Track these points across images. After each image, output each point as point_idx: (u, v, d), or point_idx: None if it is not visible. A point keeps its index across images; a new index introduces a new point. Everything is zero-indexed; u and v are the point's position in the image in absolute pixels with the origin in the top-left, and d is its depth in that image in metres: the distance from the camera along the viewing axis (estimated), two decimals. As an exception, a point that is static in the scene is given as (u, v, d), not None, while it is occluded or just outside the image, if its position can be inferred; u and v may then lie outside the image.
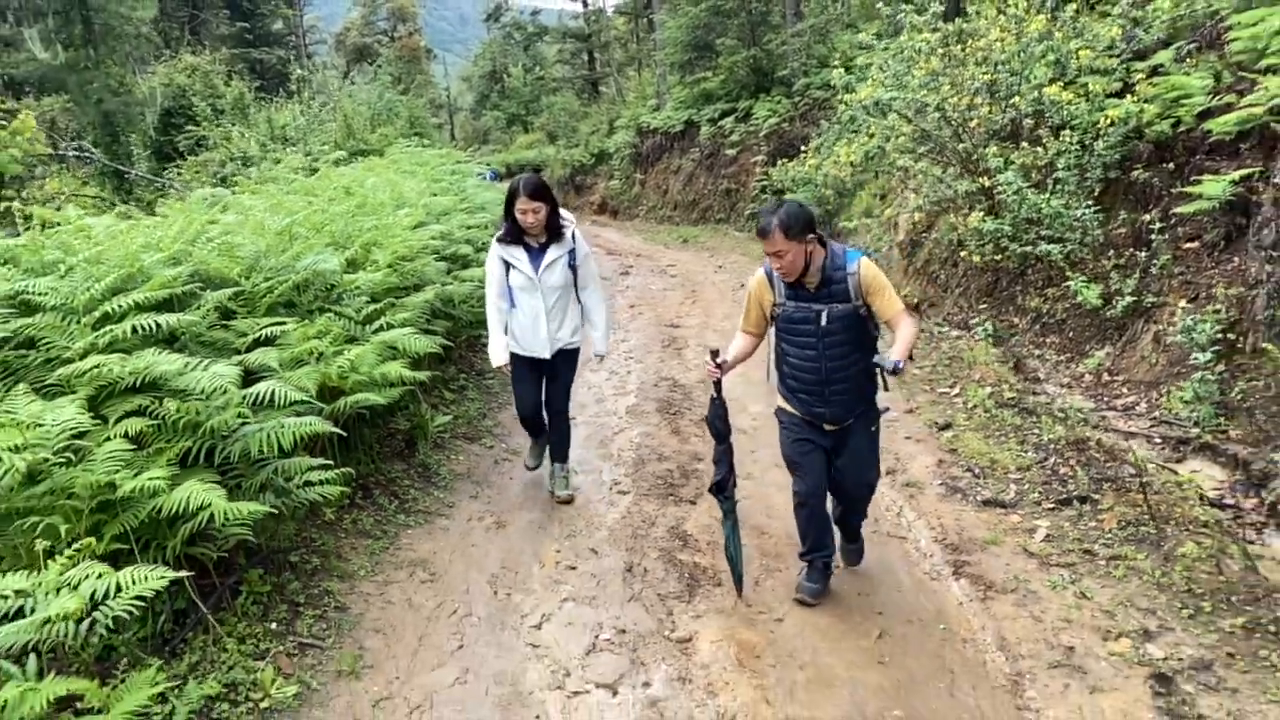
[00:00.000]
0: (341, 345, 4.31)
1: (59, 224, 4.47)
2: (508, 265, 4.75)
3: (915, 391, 6.90)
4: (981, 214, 8.69)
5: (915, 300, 10.57)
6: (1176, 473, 5.32)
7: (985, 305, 9.51)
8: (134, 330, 3.46)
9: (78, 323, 3.54)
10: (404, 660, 3.46)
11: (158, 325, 3.52)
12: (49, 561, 2.51)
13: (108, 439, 3.04)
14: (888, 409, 4.53)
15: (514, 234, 4.70)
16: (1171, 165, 7.74)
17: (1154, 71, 8.38)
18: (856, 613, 3.95)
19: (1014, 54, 8.81)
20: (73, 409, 2.97)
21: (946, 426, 6.12)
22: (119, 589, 2.49)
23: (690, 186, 21.69)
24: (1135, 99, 7.98)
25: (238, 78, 20.70)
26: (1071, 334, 8.23)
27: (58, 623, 2.49)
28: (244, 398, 3.36)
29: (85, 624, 2.56)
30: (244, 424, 3.45)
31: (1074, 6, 9.18)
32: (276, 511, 3.45)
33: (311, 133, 14.16)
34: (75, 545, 2.59)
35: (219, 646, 3.17)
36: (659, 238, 18.98)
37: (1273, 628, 3.68)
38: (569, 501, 5.07)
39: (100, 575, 2.48)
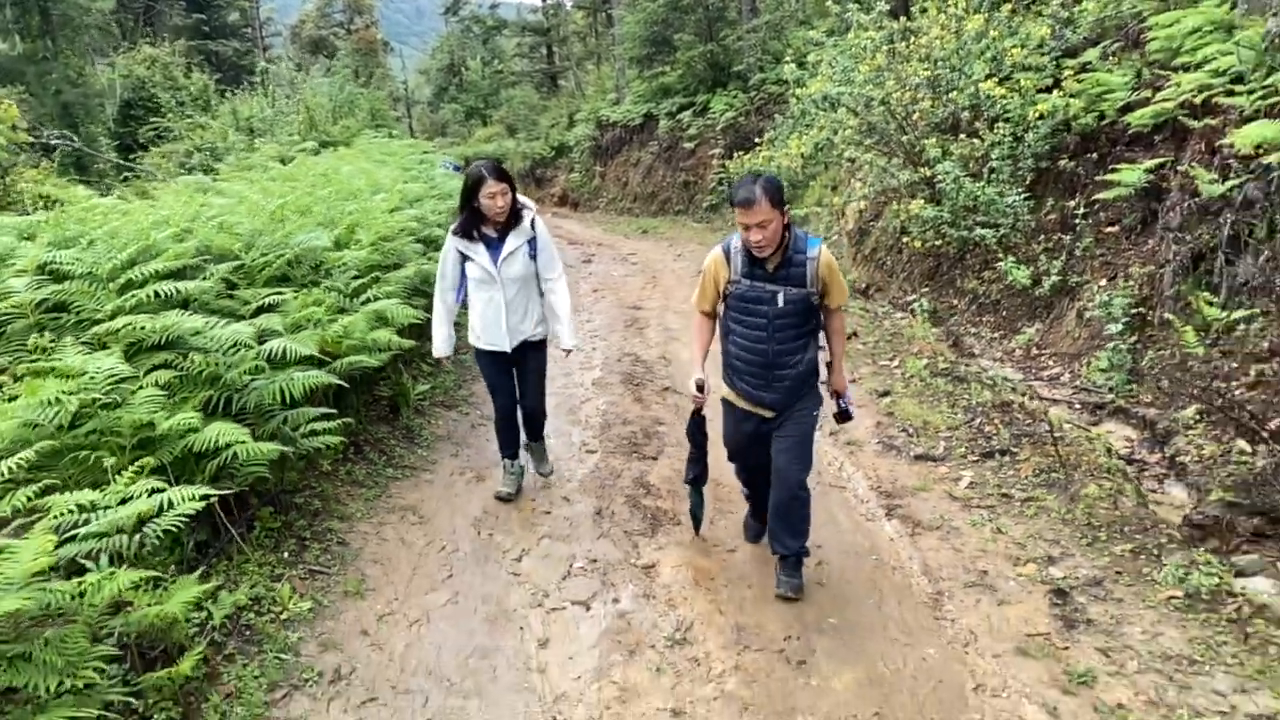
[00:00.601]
0: (334, 314, 4.77)
1: (69, 204, 4.87)
2: (464, 259, 4.60)
3: (859, 364, 7.48)
4: (922, 202, 9.31)
5: (864, 284, 11.19)
6: (1088, 430, 5.95)
7: (927, 288, 10.15)
8: (155, 295, 3.89)
9: (104, 289, 3.97)
10: (401, 585, 3.94)
11: (176, 291, 3.95)
12: (115, 477, 2.96)
13: (141, 387, 3.47)
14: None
15: (472, 225, 4.53)
16: (1095, 155, 8.41)
17: (1083, 68, 9.07)
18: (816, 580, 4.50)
19: (953, 51, 9.43)
20: (113, 359, 3.40)
21: (885, 394, 6.71)
22: (170, 505, 2.94)
23: (649, 179, 22.22)
24: (1062, 94, 8.65)
25: (197, 70, 20.81)
26: (1005, 313, 8.89)
27: (113, 535, 2.94)
28: (258, 353, 3.81)
29: (136, 537, 3.00)
30: (255, 378, 3.90)
31: (1009, 7, 9.85)
32: (286, 455, 3.91)
33: (277, 124, 14.44)
34: (134, 466, 3.03)
35: (240, 570, 3.63)
36: (619, 228, 19.47)
37: (1155, 551, 4.29)
38: (548, 475, 5.22)
39: (154, 492, 2.92)
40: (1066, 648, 3.61)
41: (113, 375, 3.35)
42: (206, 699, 2.94)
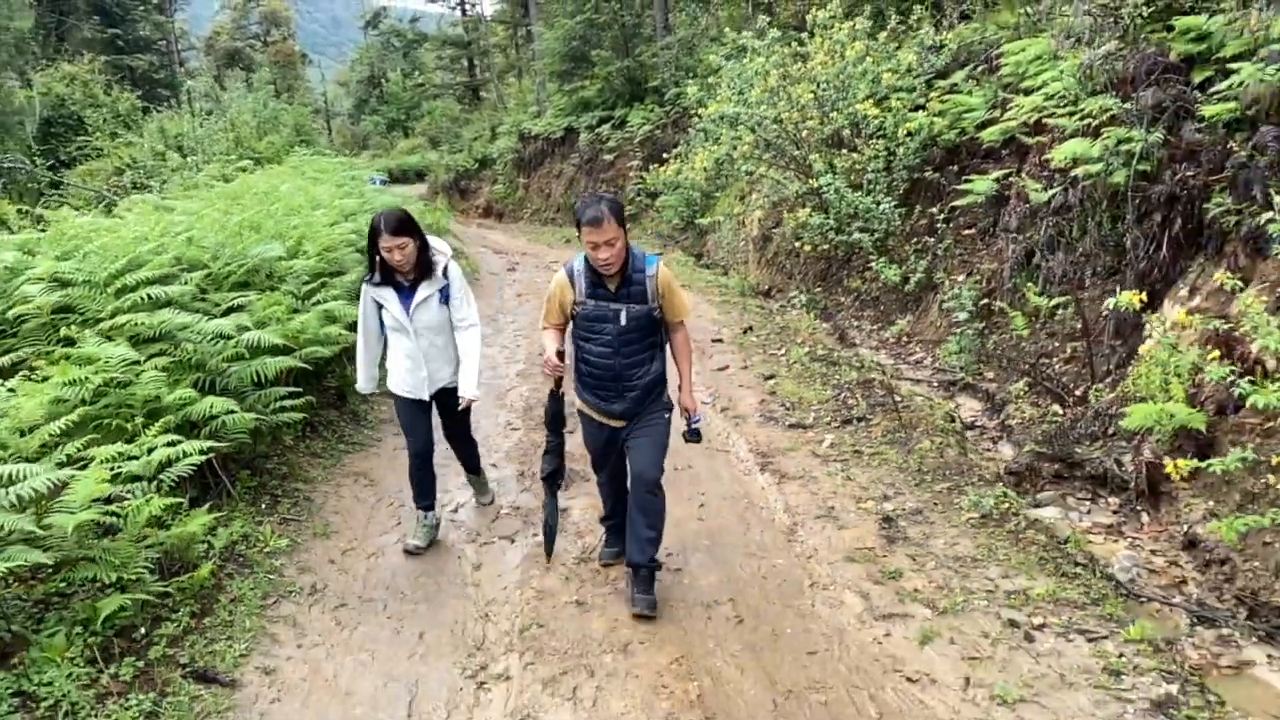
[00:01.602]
0: (291, 314, 5.69)
1: (55, 223, 5.71)
2: (379, 306, 4.59)
3: (752, 354, 8.62)
4: (810, 210, 10.54)
5: (766, 286, 12.41)
6: (931, 400, 7.18)
7: (819, 288, 11.41)
8: (147, 298, 4.79)
9: (103, 293, 4.85)
10: (359, 530, 4.90)
11: (162, 294, 4.86)
12: (142, 433, 3.87)
13: (145, 370, 4.38)
14: (724, 365, 6.00)
15: (383, 274, 4.49)
16: (956, 167, 9.73)
17: (951, 89, 10.42)
18: (686, 493, 5.55)
19: (835, 74, 10.69)
20: (123, 348, 4.30)
21: (771, 376, 7.84)
22: (183, 455, 3.87)
23: (571, 190, 23.26)
24: (928, 113, 9.97)
25: (118, 87, 21.18)
26: (882, 307, 10.17)
27: (143, 476, 3.86)
28: (238, 342, 4.74)
29: (158, 480, 3.92)
30: (233, 364, 4.82)
31: (884, 35, 11.17)
32: (259, 427, 4.84)
33: (204, 142, 15.10)
34: (156, 425, 3.95)
35: (229, 516, 4.55)
36: (543, 238, 20.44)
37: (968, 489, 5.47)
38: (490, 504, 5.31)
39: (171, 444, 3.85)
40: (885, 556, 4.73)
41: (124, 359, 4.26)
42: (217, 601, 3.88)
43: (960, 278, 8.86)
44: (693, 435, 4.30)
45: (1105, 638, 3.91)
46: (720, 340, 9.13)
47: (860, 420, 6.67)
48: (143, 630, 3.51)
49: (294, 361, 4.96)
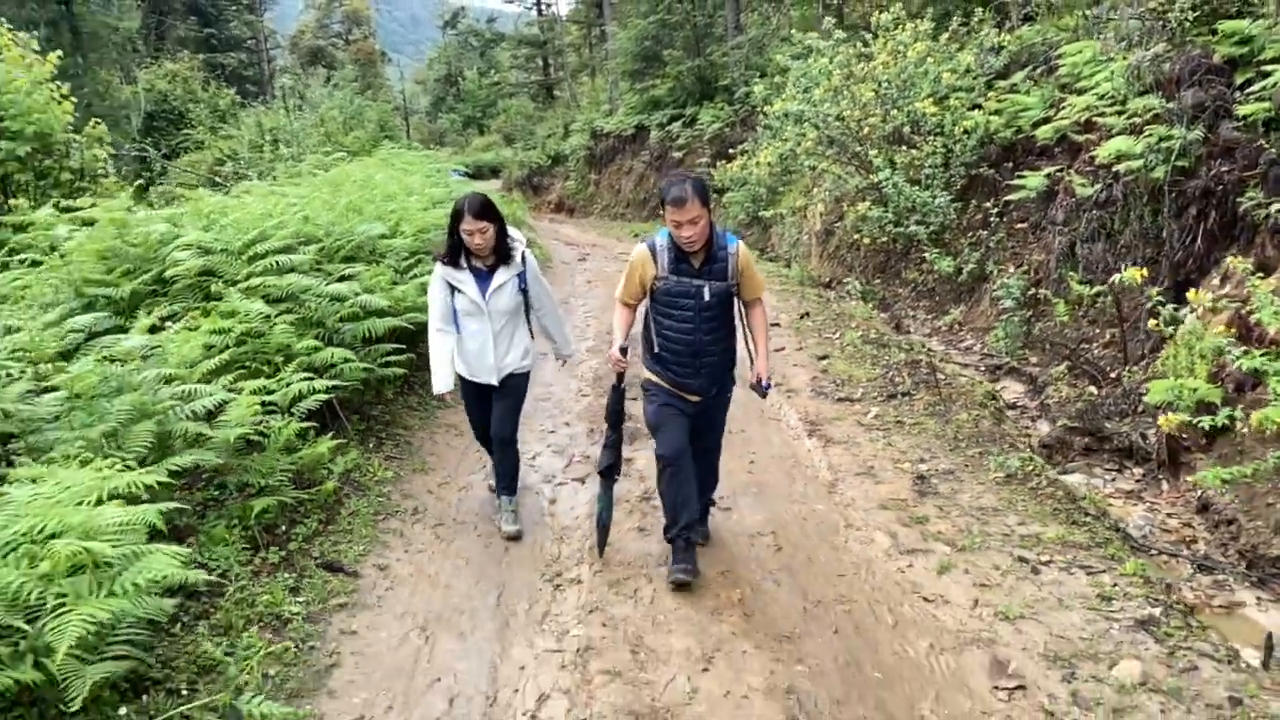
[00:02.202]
0: (392, 284, 6.49)
1: (193, 201, 6.61)
2: (453, 289, 4.66)
3: (807, 337, 9.22)
4: (870, 204, 11.08)
5: (827, 278, 12.95)
6: (974, 380, 7.70)
7: (878, 279, 11.94)
8: (275, 264, 5.62)
9: (238, 259, 5.69)
10: (451, 469, 5.67)
11: (288, 262, 5.68)
12: (285, 368, 4.68)
13: (276, 324, 5.19)
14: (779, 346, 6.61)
15: (457, 256, 4.61)
16: (1011, 164, 10.19)
17: (1011, 89, 10.88)
18: (738, 452, 6.19)
19: (896, 74, 11.20)
20: (259, 304, 5.13)
21: (824, 357, 8.43)
22: (313, 391, 4.67)
23: (641, 186, 24.00)
24: (985, 112, 10.44)
25: (215, 83, 22.53)
26: (937, 298, 10.67)
27: (281, 406, 4.66)
28: (353, 303, 5.54)
29: (288, 414, 4.72)
30: (347, 323, 5.63)
31: (946, 36, 11.65)
32: (368, 378, 5.63)
33: (298, 136, 16.18)
34: (291, 365, 4.75)
35: (345, 448, 5.34)
36: (612, 232, 21.21)
37: (995, 451, 6.01)
38: (516, 538, 4.87)
39: (306, 380, 4.65)
40: (915, 506, 5.32)
41: (260, 313, 5.08)
42: (338, 513, 4.67)
43: (1010, 269, 9.34)
44: (760, 389, 4.37)
45: (1103, 572, 4.45)
46: (777, 324, 9.74)
47: (904, 395, 7.24)
48: (283, 528, 4.32)
49: (398, 322, 5.74)
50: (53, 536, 2.36)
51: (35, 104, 8.94)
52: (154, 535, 2.93)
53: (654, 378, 4.41)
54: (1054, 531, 4.87)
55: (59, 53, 9.82)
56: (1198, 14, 7.94)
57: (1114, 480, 6.18)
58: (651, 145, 23.78)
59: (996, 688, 3.62)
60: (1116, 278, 6.12)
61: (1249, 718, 3.36)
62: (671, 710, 3.38)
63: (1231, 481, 4.58)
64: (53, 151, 9.20)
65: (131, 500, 2.78)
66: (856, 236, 11.66)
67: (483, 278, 4.65)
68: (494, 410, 4.89)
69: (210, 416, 4.14)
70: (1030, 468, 5.73)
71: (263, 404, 4.38)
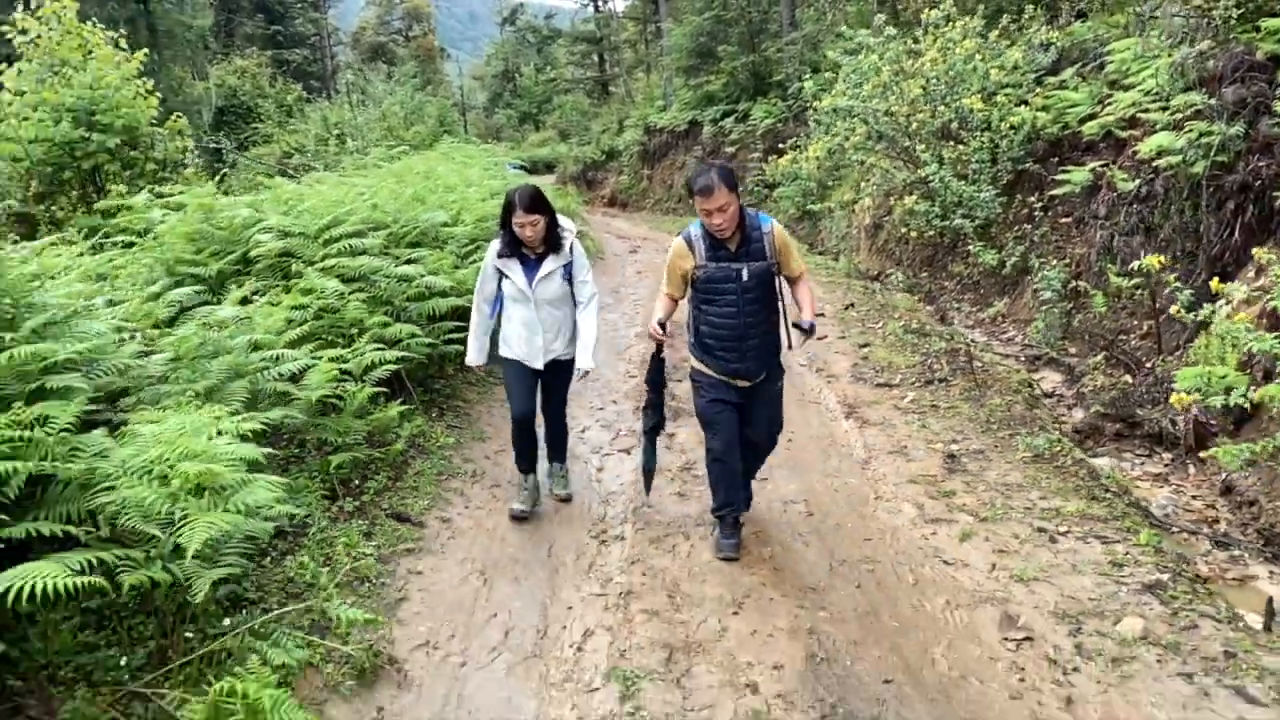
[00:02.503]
0: (453, 269, 6.95)
1: (273, 189, 7.14)
2: (502, 275, 4.88)
3: (850, 326, 9.51)
4: (917, 198, 11.31)
5: (875, 272, 13.19)
6: (1010, 368, 7.94)
7: (925, 273, 12.16)
8: (348, 247, 6.11)
9: (314, 242, 6.19)
10: (506, 439, 6.08)
11: (360, 245, 6.16)
12: (358, 340, 5.16)
13: (349, 300, 5.67)
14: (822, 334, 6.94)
15: (512, 246, 4.80)
16: (1057, 159, 10.35)
17: (1061, 85, 11.03)
18: (786, 438, 6.53)
19: (943, 71, 11.42)
20: (334, 282, 5.61)
21: (865, 345, 8.73)
22: (384, 361, 5.13)
23: (693, 181, 24.30)
24: (1031, 108, 10.62)
25: (282, 80, 23.36)
26: (982, 290, 10.88)
27: (348, 378, 5.13)
28: (419, 284, 6.00)
29: (361, 381, 5.19)
30: (413, 302, 6.09)
31: (995, 33, 11.82)
32: (431, 354, 6.09)
33: (362, 130, 16.84)
34: (365, 337, 5.22)
35: (411, 414, 5.80)
36: (663, 226, 21.59)
37: (1024, 431, 6.28)
38: (568, 500, 5.28)
39: (377, 351, 5.11)
40: (943, 481, 5.62)
41: (335, 290, 5.56)
42: (405, 471, 5.14)
43: (1052, 262, 9.52)
44: (803, 325, 4.33)
45: (1118, 542, 4.73)
46: (822, 315, 10.03)
47: (941, 381, 7.52)
48: (356, 482, 4.80)
49: (459, 301, 6.19)
50: (179, 462, 2.82)
51: (124, 99, 9.60)
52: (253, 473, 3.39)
53: (701, 367, 4.55)
54: (1074, 506, 5.15)
55: (144, 51, 10.48)
56: (1242, 11, 8.08)
57: (1143, 464, 6.41)
58: (704, 140, 24.11)
59: (1005, 639, 3.94)
60: (1139, 263, 6.34)
61: (1241, 668, 3.64)
62: (703, 645, 3.76)
63: (1251, 461, 4.82)
64: (138, 143, 9.86)
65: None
66: (904, 230, 11.89)
67: (530, 266, 4.83)
68: (541, 393, 5.13)
69: (294, 379, 4.62)
70: (1057, 448, 6.00)
71: (339, 371, 4.84)
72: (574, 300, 4.98)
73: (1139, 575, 4.39)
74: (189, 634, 3.02)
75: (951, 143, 11.36)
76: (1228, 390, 5.24)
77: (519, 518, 5.02)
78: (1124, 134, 9.03)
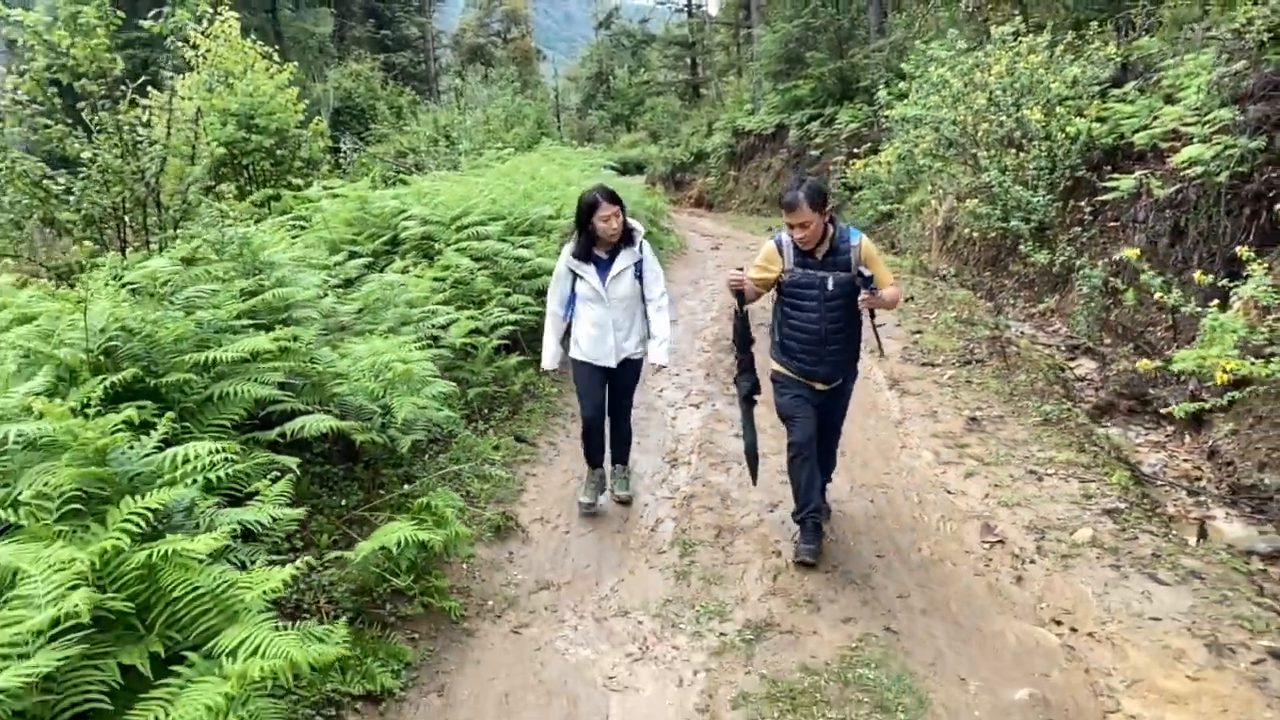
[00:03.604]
0: (557, 253, 8.41)
1: (410, 184, 8.73)
2: (575, 276, 5.13)
3: (908, 316, 10.70)
4: (978, 202, 12.40)
5: (944, 272, 14.27)
6: (1045, 354, 9.05)
7: (988, 272, 13.21)
8: (476, 234, 7.62)
9: (448, 229, 7.73)
10: (598, 393, 7.55)
11: (484, 232, 7.68)
12: (487, 304, 6.65)
13: (478, 275, 7.17)
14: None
15: (586, 248, 5.07)
16: (1111, 168, 11.34)
17: (1123, 98, 12.00)
18: (827, 396, 7.82)
19: (1009, 84, 12.48)
20: (466, 260, 7.12)
21: (918, 332, 9.93)
22: (507, 321, 6.60)
23: (778, 183, 25.50)
24: (1087, 120, 11.62)
25: (393, 83, 25.35)
26: (1036, 288, 11.93)
27: (479, 333, 6.62)
28: (530, 261, 7.48)
29: (490, 335, 6.67)
30: (526, 279, 7.57)
31: (1060, 48, 12.82)
32: (539, 320, 7.57)
33: (470, 131, 18.57)
34: (491, 302, 6.71)
35: (524, 366, 7.26)
36: (746, 226, 22.87)
37: (1035, 400, 7.43)
38: (628, 502, 5.53)
39: (501, 312, 6.59)
40: (961, 437, 6.84)
41: (467, 267, 7.07)
42: (520, 409, 6.62)
43: (1096, 262, 10.54)
44: (865, 280, 4.49)
45: (1093, 482, 5.91)
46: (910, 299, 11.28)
47: (978, 362, 8.69)
48: (486, 410, 6.31)
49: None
50: (389, 365, 4.31)
51: (277, 105, 11.37)
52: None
53: (782, 369, 4.83)
54: (1065, 456, 6.33)
55: (294, 64, 12.27)
56: (1272, 34, 9.03)
57: (1147, 434, 7.52)
58: (790, 144, 25.28)
59: (983, 541, 5.19)
60: (1119, 256, 7.40)
61: (1160, 564, 4.83)
62: (744, 529, 5.13)
63: (1234, 430, 5.94)
64: (287, 143, 11.62)
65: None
66: (968, 231, 12.98)
67: (603, 266, 5.08)
68: (610, 393, 5.35)
69: (443, 329, 6.12)
70: (1064, 414, 7.16)
71: (473, 327, 6.33)
72: (644, 299, 5.24)
73: (1103, 504, 5.58)
74: (394, 478, 4.51)
75: (1014, 150, 12.41)
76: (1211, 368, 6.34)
77: (587, 513, 5.35)
78: (1166, 145, 10.01)
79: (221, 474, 2.86)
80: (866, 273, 4.51)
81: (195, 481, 2.79)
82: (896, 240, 17.20)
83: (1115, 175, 10.68)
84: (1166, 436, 7.43)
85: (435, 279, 6.82)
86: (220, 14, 11.45)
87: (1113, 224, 11.00)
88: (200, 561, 2.49)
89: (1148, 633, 4.19)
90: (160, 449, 2.86)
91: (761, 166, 26.74)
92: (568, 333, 5.31)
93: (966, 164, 13.20)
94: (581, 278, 5.12)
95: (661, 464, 6.19)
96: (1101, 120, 11.72)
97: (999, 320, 10.18)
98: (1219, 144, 8.60)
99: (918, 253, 15.09)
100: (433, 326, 5.92)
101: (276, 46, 12.92)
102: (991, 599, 4.55)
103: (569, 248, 5.16)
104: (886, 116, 14.18)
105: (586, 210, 4.98)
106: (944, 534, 5.27)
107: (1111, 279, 10.18)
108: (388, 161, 15.63)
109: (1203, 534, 5.36)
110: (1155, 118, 10.78)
